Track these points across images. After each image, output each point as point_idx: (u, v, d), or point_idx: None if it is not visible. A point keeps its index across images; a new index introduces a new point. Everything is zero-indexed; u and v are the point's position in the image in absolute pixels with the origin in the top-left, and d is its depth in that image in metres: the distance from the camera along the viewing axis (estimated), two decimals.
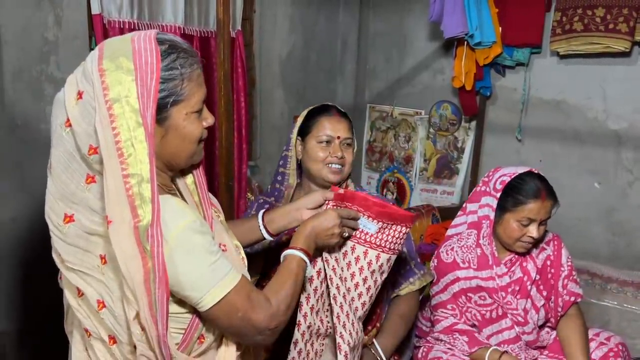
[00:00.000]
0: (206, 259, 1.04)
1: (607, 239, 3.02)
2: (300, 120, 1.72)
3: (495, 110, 3.28)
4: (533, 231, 1.72)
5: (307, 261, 1.29)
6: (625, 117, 2.87)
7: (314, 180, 1.72)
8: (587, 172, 3.02)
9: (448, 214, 3.00)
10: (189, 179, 1.21)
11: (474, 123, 3.34)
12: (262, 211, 1.51)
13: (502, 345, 1.79)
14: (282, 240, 1.66)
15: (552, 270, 1.84)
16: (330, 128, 1.66)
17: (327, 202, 1.46)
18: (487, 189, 1.82)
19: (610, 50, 2.74)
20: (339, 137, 1.66)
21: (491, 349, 1.75)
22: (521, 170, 1.78)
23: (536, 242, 1.79)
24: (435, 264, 1.89)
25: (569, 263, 1.86)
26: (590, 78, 2.93)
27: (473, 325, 1.83)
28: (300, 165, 1.77)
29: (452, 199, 3.44)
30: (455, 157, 3.48)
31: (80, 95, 1.00)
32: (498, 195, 1.76)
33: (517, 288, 1.80)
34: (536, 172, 1.78)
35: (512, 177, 1.76)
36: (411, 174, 3.64)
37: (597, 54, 2.81)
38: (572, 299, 1.82)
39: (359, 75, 3.82)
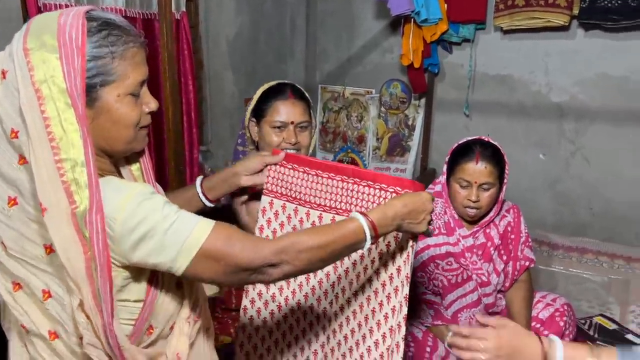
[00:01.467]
0: (165, 219, 0.97)
1: (552, 208, 3.14)
2: (254, 101, 1.67)
3: (443, 87, 3.34)
4: (471, 194, 1.80)
5: (367, 233, 1.11)
6: (566, 89, 2.98)
7: None
8: (533, 145, 3.13)
9: None
10: (134, 165, 1.16)
11: (423, 100, 3.39)
12: (200, 179, 1.47)
13: (464, 310, 1.84)
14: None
15: (512, 236, 1.94)
16: (284, 113, 1.61)
17: (268, 167, 1.43)
18: (446, 160, 1.92)
19: (550, 25, 2.82)
20: (292, 122, 1.61)
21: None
22: (473, 138, 1.89)
23: (483, 210, 1.84)
24: None
25: (526, 230, 1.97)
26: (533, 52, 3.02)
27: (437, 293, 1.89)
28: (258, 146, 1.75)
29: (405, 176, 3.50)
30: (406, 135, 3.52)
31: (4, 74, 0.94)
32: (447, 159, 1.88)
33: (480, 252, 1.88)
34: (486, 139, 1.85)
35: (460, 143, 1.86)
36: (364, 153, 3.67)
37: (539, 29, 2.89)
38: (527, 263, 1.93)
39: (309, 55, 3.80)
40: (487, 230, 1.91)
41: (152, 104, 1.07)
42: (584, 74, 2.91)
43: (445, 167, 1.91)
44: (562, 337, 1.81)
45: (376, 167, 3.62)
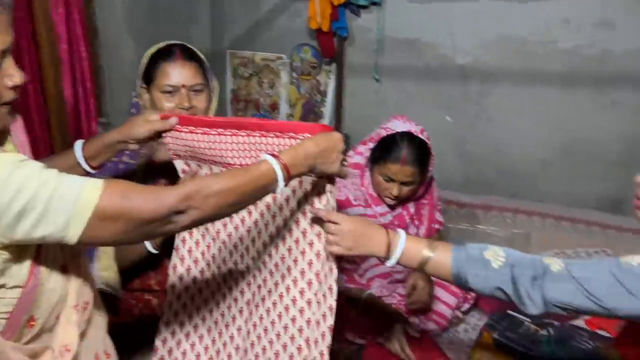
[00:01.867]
0: (45, 185, 0.87)
1: (460, 168, 3.25)
2: (142, 65, 1.55)
3: (353, 52, 3.31)
4: (393, 188, 1.80)
5: (279, 174, 1.07)
6: (470, 52, 3.05)
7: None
8: (440, 107, 3.20)
9: None
10: (8, 146, 1.03)
11: (334, 65, 3.36)
12: (80, 143, 1.35)
13: (374, 279, 1.86)
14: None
15: (425, 201, 1.99)
16: (174, 76, 1.49)
17: (164, 135, 1.33)
18: (373, 137, 1.89)
19: None
20: (184, 86, 1.50)
21: (367, 292, 1.81)
22: (402, 129, 1.82)
23: (401, 200, 1.85)
24: None
25: (437, 195, 2.01)
26: (439, 16, 3.05)
27: (352, 262, 1.89)
28: None
29: None
30: (319, 101, 3.49)
31: None
32: (372, 146, 1.86)
33: (397, 222, 1.90)
34: (417, 134, 1.82)
35: (389, 134, 1.82)
36: (278, 120, 3.60)
37: None
38: (437, 226, 1.98)
39: (215, 19, 3.63)
40: (404, 202, 1.94)
41: (15, 77, 0.94)
42: (486, 36, 2.98)
43: (369, 153, 1.89)
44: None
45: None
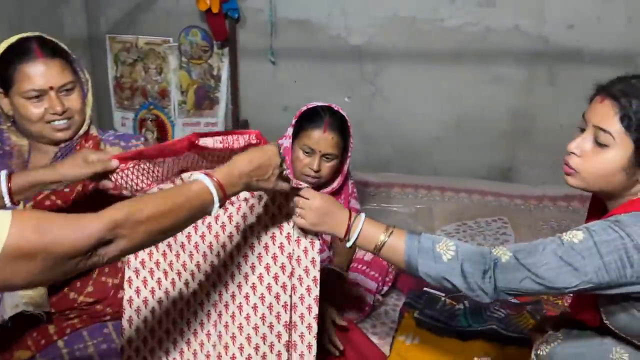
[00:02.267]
0: None
1: (360, 148, 3.27)
2: None
3: (245, 34, 3.19)
4: (313, 162, 1.75)
5: (215, 194, 0.99)
6: (363, 31, 3.06)
7: (42, 141, 1.42)
8: (337, 88, 3.19)
9: None
10: None
11: (227, 49, 3.21)
12: (4, 174, 1.18)
13: None
14: None
15: (342, 192, 1.96)
16: (37, 78, 1.30)
17: (111, 173, 1.20)
18: (293, 123, 1.84)
19: None
20: (52, 87, 1.32)
21: None
22: (322, 103, 1.81)
23: (322, 180, 1.82)
24: None
25: (352, 182, 2.01)
26: None
27: None
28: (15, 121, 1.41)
29: (217, 130, 3.34)
30: (213, 86, 3.33)
31: None
32: (293, 122, 1.80)
33: None
34: (336, 108, 1.80)
35: (308, 107, 1.79)
36: (170, 108, 3.39)
37: None
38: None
39: (90, 1, 3.31)
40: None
41: None
42: (378, 16, 3.01)
43: (290, 130, 1.82)
44: (386, 273, 1.91)
45: (184, 123, 3.38)
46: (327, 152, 1.76)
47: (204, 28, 3.17)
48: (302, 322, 1.28)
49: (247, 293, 1.30)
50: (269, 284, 1.29)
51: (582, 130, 1.21)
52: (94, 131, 1.54)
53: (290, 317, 1.28)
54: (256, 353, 1.29)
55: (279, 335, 1.29)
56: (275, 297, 1.28)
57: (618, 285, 1.08)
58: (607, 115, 1.13)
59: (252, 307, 1.30)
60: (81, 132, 1.47)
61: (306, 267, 1.27)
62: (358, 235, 1.20)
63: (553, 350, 1.35)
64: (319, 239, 1.30)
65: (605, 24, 2.76)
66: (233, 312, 1.32)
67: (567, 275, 1.07)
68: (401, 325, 1.78)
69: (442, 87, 3.05)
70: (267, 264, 1.29)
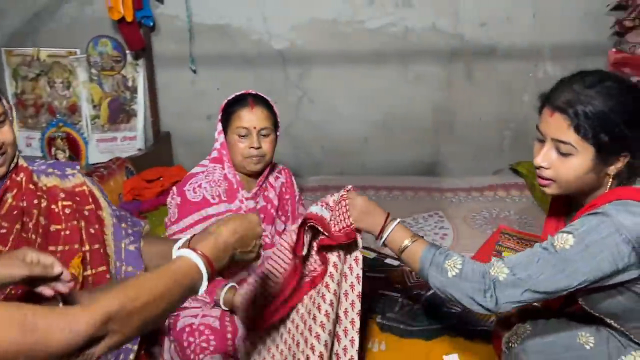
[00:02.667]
0: None
1: (290, 152, 3.25)
2: None
3: (161, 42, 3.04)
4: (252, 141, 1.73)
5: (204, 271, 0.92)
6: (284, 35, 3.02)
7: None
8: (263, 93, 3.12)
9: (142, 162, 2.74)
10: None
11: (142, 59, 3.04)
12: None
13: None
14: None
15: (288, 197, 1.94)
16: None
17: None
18: (219, 118, 1.81)
19: None
20: None
21: (228, 285, 1.67)
22: (239, 92, 1.82)
23: (267, 158, 1.79)
24: (179, 202, 1.74)
25: (298, 189, 1.99)
26: (248, 1, 2.95)
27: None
28: None
29: (137, 144, 3.15)
30: (128, 98, 3.14)
31: None
32: (219, 116, 1.78)
33: (263, 216, 1.83)
34: (254, 92, 1.81)
35: (229, 98, 1.79)
36: (81, 125, 3.15)
37: None
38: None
39: None
40: (266, 193, 1.86)
41: None
42: (299, 20, 2.98)
43: (219, 126, 1.79)
44: None
45: (99, 139, 3.15)
46: (262, 127, 1.75)
47: (114, 37, 2.98)
48: (345, 336, 1.42)
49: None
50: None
51: (540, 140, 1.25)
52: (22, 162, 1.38)
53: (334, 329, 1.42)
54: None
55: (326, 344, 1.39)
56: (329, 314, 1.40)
57: (610, 277, 1.15)
58: (561, 128, 1.17)
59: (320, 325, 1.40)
60: (12, 165, 1.31)
61: (352, 283, 1.41)
62: (388, 235, 1.33)
63: (525, 343, 1.40)
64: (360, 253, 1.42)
65: (514, 21, 2.93)
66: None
67: (564, 280, 1.13)
68: (367, 332, 1.77)
69: (366, 88, 3.10)
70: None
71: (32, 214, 1.32)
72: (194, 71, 3.06)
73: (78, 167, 1.51)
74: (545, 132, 1.22)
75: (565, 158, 1.19)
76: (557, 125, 1.18)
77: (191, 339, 1.56)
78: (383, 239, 1.34)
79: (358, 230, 1.39)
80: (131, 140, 3.17)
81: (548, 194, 1.30)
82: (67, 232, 1.35)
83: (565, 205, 1.39)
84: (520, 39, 2.96)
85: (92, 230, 1.39)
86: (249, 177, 1.82)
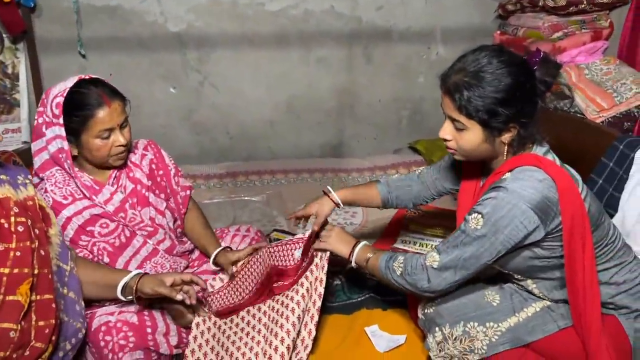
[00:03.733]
0: None
1: (192, 139, 3.16)
2: None
3: (45, 24, 2.79)
4: (118, 138, 1.59)
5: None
6: (182, 18, 2.91)
7: None
8: (160, 78, 3.01)
9: (30, 156, 2.51)
10: None
11: (22, 43, 2.77)
12: None
13: (144, 263, 1.68)
14: None
15: (161, 172, 1.81)
16: None
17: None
18: (47, 119, 1.55)
19: None
20: None
21: (132, 274, 1.58)
22: (70, 83, 1.55)
23: (128, 147, 1.66)
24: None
25: (172, 161, 1.87)
26: None
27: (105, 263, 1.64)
28: None
29: (22, 137, 2.88)
30: (9, 87, 2.85)
31: None
32: (61, 120, 1.52)
33: (135, 200, 1.70)
34: (87, 77, 1.59)
35: (65, 94, 1.52)
36: None
37: None
38: (188, 192, 1.88)
39: None
40: (130, 174, 1.73)
41: None
42: (196, 1, 2.88)
43: (61, 130, 1.53)
44: None
45: None
46: (122, 120, 1.60)
47: None
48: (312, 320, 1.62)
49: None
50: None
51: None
52: None
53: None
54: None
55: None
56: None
57: (522, 241, 1.31)
58: (451, 108, 1.34)
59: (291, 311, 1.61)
60: None
61: (317, 276, 1.66)
62: (356, 254, 1.61)
63: (439, 307, 1.50)
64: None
65: (408, 4, 3.05)
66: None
67: (485, 255, 1.33)
68: None
69: (269, 71, 3.08)
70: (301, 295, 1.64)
71: None
72: (84, 56, 2.86)
73: (29, 175, 1.36)
74: (443, 110, 1.39)
75: (461, 132, 1.35)
76: (448, 106, 1.35)
77: (108, 338, 1.47)
78: (353, 259, 1.62)
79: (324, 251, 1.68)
80: (15, 132, 2.90)
81: (457, 160, 1.47)
82: (18, 254, 1.19)
83: (478, 168, 1.52)
84: (414, 22, 3.09)
85: (42, 252, 1.26)
86: (99, 169, 1.67)
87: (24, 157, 2.55)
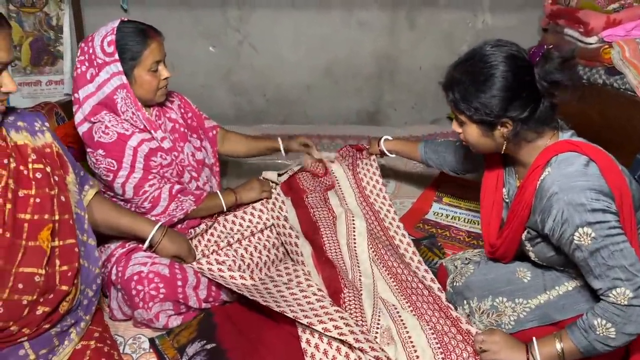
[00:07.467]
0: None
1: (230, 100, 3.16)
2: None
3: None
4: (164, 72, 1.71)
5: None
6: None
7: None
8: (201, 36, 2.99)
9: (72, 108, 2.56)
10: None
11: None
12: None
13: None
14: None
15: (190, 115, 1.96)
16: None
17: None
18: (99, 61, 1.63)
19: None
20: None
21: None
22: (114, 24, 1.66)
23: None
24: (103, 153, 1.64)
25: (196, 106, 2.02)
26: None
27: (156, 204, 1.73)
28: None
29: (64, 89, 2.94)
30: (53, 38, 2.90)
31: None
32: (116, 56, 1.62)
33: (177, 135, 1.84)
34: (126, 19, 1.69)
35: (114, 32, 1.63)
36: None
37: None
38: (217, 130, 2.06)
39: None
40: (167, 115, 1.85)
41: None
42: None
43: (117, 66, 1.62)
44: None
45: (21, 83, 2.92)
46: (164, 56, 1.74)
47: None
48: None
49: None
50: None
51: None
52: None
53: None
54: None
55: None
56: None
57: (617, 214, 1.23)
58: (450, 105, 1.37)
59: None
60: None
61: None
62: (540, 354, 1.30)
63: (469, 280, 1.48)
64: None
65: None
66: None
67: (626, 250, 1.21)
68: None
69: (310, 33, 3.03)
70: None
71: (1, 176, 1.20)
72: (126, 10, 2.87)
73: (46, 122, 1.38)
74: None
75: (463, 126, 1.38)
76: (449, 102, 1.37)
77: (140, 287, 1.52)
78: None
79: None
80: (57, 84, 2.96)
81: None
82: (38, 200, 1.23)
83: (499, 158, 1.48)
84: None
85: (62, 199, 1.29)
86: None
87: (66, 108, 2.60)
